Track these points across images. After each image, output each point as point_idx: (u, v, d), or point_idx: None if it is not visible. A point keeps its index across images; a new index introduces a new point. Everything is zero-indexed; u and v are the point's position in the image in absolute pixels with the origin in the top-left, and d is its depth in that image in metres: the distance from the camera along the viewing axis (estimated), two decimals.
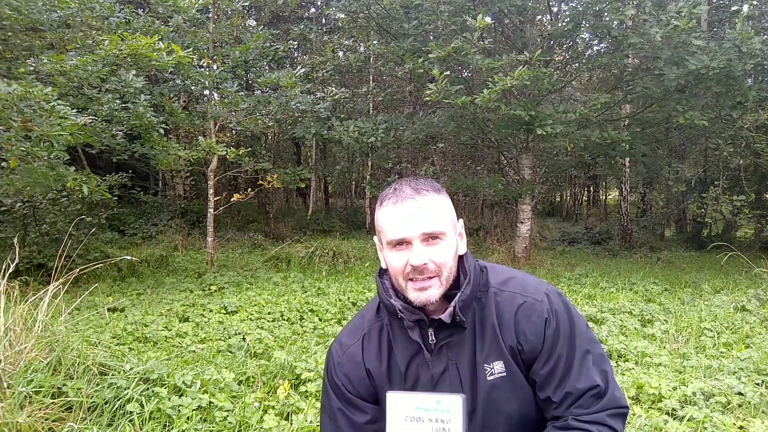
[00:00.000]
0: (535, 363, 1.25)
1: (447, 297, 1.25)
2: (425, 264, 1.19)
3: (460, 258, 1.30)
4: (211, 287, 6.37)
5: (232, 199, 8.29)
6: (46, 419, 2.24)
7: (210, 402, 2.58)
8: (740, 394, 3.06)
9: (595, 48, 10.11)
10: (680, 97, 7.88)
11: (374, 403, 1.34)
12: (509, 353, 1.25)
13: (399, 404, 1.21)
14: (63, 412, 2.33)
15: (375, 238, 1.33)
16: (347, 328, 1.43)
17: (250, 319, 4.87)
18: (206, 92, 8.47)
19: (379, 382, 1.33)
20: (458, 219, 1.32)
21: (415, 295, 1.22)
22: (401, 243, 1.21)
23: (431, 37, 8.95)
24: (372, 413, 1.33)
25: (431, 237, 1.21)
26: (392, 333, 1.33)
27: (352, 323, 1.42)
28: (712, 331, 4.60)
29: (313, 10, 14.27)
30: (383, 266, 1.31)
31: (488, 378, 1.25)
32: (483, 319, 1.28)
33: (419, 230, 1.19)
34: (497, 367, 1.26)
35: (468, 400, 1.25)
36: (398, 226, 1.21)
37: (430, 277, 1.21)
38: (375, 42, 10.04)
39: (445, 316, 1.24)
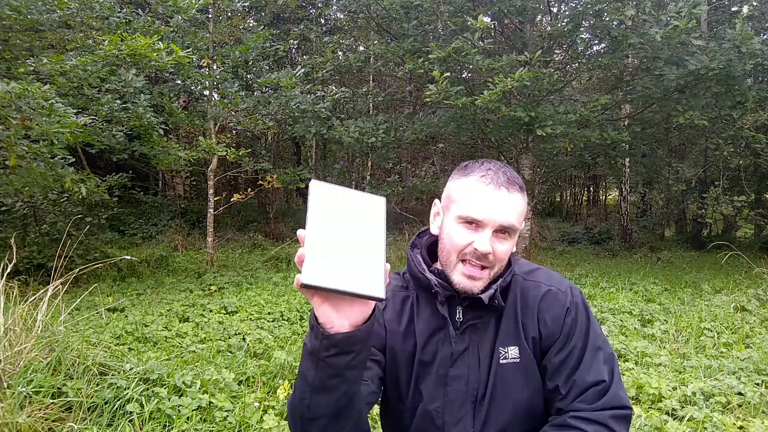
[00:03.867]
0: (549, 350, 1.27)
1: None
2: (489, 252, 1.19)
3: None
4: (211, 287, 6.36)
5: (232, 199, 8.29)
6: (46, 419, 2.23)
7: (210, 402, 2.58)
8: (740, 394, 3.06)
9: (594, 48, 10.11)
10: (680, 97, 7.88)
11: (381, 350, 1.34)
12: (527, 340, 1.27)
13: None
14: (63, 412, 2.33)
15: (437, 202, 1.32)
16: None
17: (250, 319, 4.87)
18: (206, 92, 8.47)
19: (393, 340, 1.32)
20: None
21: (460, 279, 1.22)
22: (474, 223, 1.20)
23: (431, 38, 8.95)
24: (377, 365, 1.32)
25: (504, 230, 1.21)
26: (417, 305, 1.33)
27: None
28: (712, 331, 4.60)
29: (313, 10, 14.26)
30: (433, 231, 1.32)
31: (501, 361, 1.27)
32: (507, 304, 1.29)
33: (500, 220, 1.19)
34: (512, 352, 1.27)
35: (481, 381, 1.27)
36: (483, 207, 1.19)
37: (484, 267, 1.21)
38: (375, 42, 10.03)
39: (485, 297, 1.25)
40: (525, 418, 1.29)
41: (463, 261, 1.22)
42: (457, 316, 1.28)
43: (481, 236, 1.19)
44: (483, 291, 1.24)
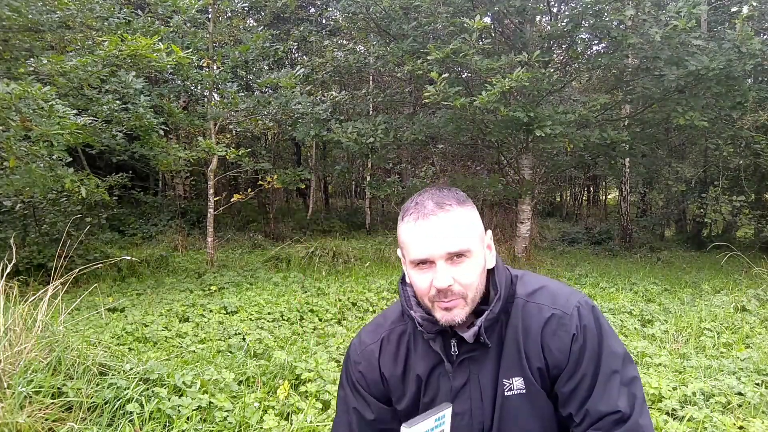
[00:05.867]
0: (558, 379, 1.20)
1: (475, 311, 1.21)
2: (450, 286, 1.13)
3: (491, 271, 1.24)
4: (211, 287, 6.36)
5: (232, 200, 8.29)
6: (46, 419, 2.23)
7: (210, 402, 2.58)
8: (740, 394, 3.06)
9: (594, 48, 10.11)
10: (680, 97, 7.88)
11: (386, 404, 1.33)
12: (532, 371, 1.20)
13: None
14: (63, 412, 2.33)
15: (398, 250, 1.28)
16: (371, 324, 1.40)
17: (250, 319, 4.87)
18: (206, 93, 8.47)
19: (393, 386, 1.31)
20: (486, 230, 1.26)
21: (441, 315, 1.17)
22: (424, 262, 1.15)
23: (431, 38, 8.95)
24: (383, 414, 1.32)
25: (456, 256, 1.14)
26: (414, 340, 1.30)
27: (376, 321, 1.40)
28: (712, 331, 4.60)
29: (312, 11, 14.26)
30: (407, 279, 1.26)
31: (506, 393, 1.21)
32: (508, 331, 1.22)
33: (443, 250, 1.13)
34: (516, 383, 1.21)
35: (486, 415, 1.23)
36: (421, 246, 1.14)
37: (456, 299, 1.15)
38: (374, 43, 10.03)
39: (468, 336, 1.19)
40: None
41: (437, 300, 1.16)
42: (453, 349, 1.23)
43: (436, 273, 1.13)
44: (470, 323, 1.19)
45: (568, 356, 1.17)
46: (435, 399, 1.26)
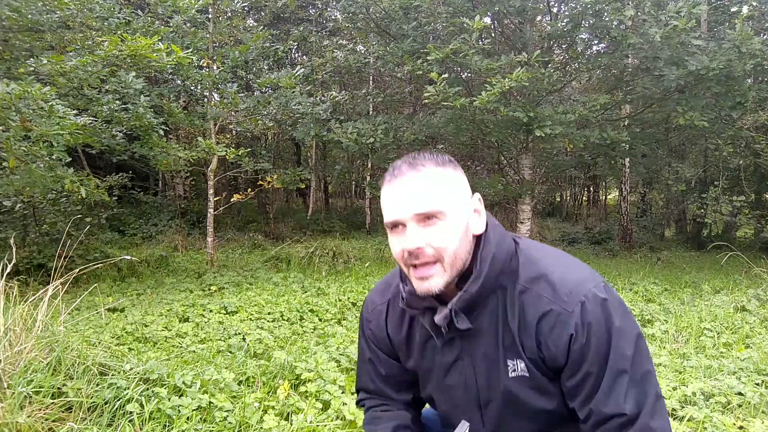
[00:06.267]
0: (561, 373, 1.13)
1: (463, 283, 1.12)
2: (420, 248, 1.05)
3: (481, 239, 1.13)
4: (211, 287, 6.36)
5: (232, 200, 8.29)
6: (46, 419, 2.23)
7: (210, 402, 2.58)
8: (740, 394, 3.06)
9: (594, 48, 10.11)
10: (680, 97, 7.88)
11: (396, 360, 1.34)
12: (530, 359, 1.13)
13: None
14: (63, 412, 2.33)
15: None
16: (382, 283, 1.38)
17: (250, 319, 4.87)
18: (206, 93, 8.48)
19: (398, 347, 1.31)
20: (474, 193, 1.16)
21: (417, 285, 1.09)
22: (396, 226, 1.08)
23: (431, 38, 8.95)
24: (393, 369, 1.35)
25: (427, 217, 1.05)
26: None
27: (386, 279, 1.37)
28: (712, 331, 4.60)
29: (312, 11, 14.26)
30: None
31: (510, 374, 1.14)
32: (506, 313, 1.13)
33: (411, 211, 1.05)
34: (520, 366, 1.13)
35: (482, 390, 1.19)
36: (391, 208, 1.08)
37: (431, 263, 1.07)
38: (374, 43, 10.04)
39: (438, 319, 1.13)
40: (544, 418, 1.18)
41: (413, 266, 1.09)
42: (443, 327, 1.16)
43: (405, 236, 1.06)
44: (455, 292, 1.12)
45: (567, 355, 1.08)
46: (432, 370, 1.25)
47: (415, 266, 1.08)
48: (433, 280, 1.08)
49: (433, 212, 1.05)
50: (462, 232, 1.09)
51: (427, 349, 1.25)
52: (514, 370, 1.14)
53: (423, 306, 1.16)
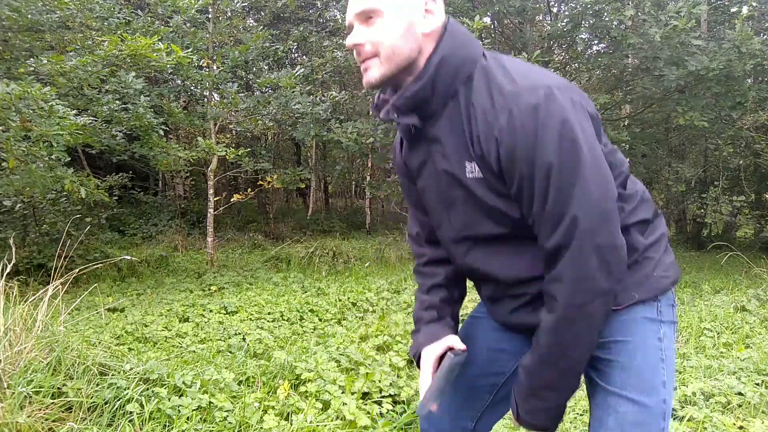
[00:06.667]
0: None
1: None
2: (359, 44, 1.14)
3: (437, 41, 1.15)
4: (211, 287, 6.37)
5: (232, 200, 8.29)
6: (46, 419, 2.24)
7: (210, 402, 2.58)
8: (740, 394, 3.06)
9: (594, 48, 10.12)
10: (680, 97, 7.89)
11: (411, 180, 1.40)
12: (479, 161, 1.13)
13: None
14: (63, 412, 2.33)
15: None
16: None
17: (250, 319, 4.87)
18: (206, 93, 8.48)
19: (409, 168, 1.37)
20: None
21: (364, 79, 1.17)
22: (350, 29, 1.17)
23: None
24: (415, 195, 1.40)
25: (367, 17, 1.12)
26: None
27: None
28: (712, 331, 4.60)
29: (312, 11, 14.26)
30: None
31: (468, 176, 1.16)
32: (461, 118, 1.14)
33: (353, 12, 1.14)
34: (476, 168, 1.14)
35: (446, 194, 1.23)
36: (346, 10, 1.20)
37: (370, 58, 1.14)
38: None
39: (383, 113, 1.20)
40: (512, 222, 1.16)
41: (361, 63, 1.17)
42: (412, 129, 1.21)
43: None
44: (394, 90, 1.20)
45: (499, 160, 1.08)
46: (416, 177, 1.33)
47: (362, 63, 1.16)
48: (370, 72, 1.15)
49: (370, 10, 1.12)
50: (402, 28, 1.12)
51: (411, 161, 1.33)
52: (471, 172, 1.15)
53: (384, 108, 1.21)
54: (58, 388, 2.40)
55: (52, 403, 2.32)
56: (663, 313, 1.20)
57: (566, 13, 9.36)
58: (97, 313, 4.74)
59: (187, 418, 2.45)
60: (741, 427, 2.74)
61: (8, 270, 2.86)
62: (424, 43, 1.14)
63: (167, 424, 2.42)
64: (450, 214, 1.25)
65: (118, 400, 2.43)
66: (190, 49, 6.94)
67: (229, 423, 2.49)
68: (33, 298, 2.85)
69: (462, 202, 1.21)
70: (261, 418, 2.58)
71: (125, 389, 2.48)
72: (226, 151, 7.73)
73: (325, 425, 2.56)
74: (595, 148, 1.06)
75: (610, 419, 1.16)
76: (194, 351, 3.78)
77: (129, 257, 5.35)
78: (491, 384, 1.40)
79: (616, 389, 1.16)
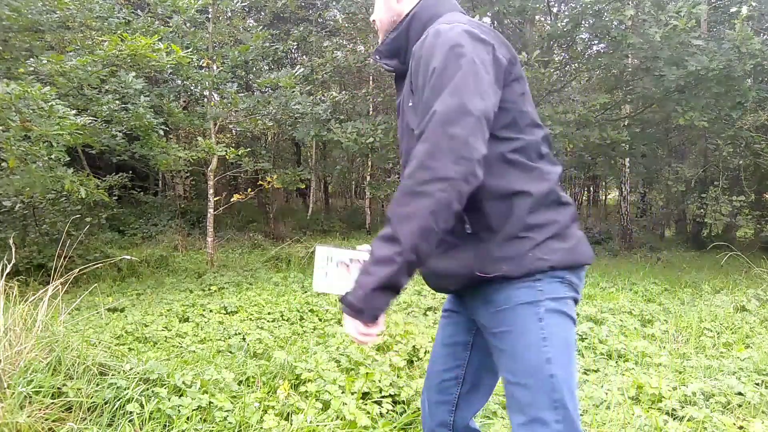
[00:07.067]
0: None
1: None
2: (373, 21, 1.54)
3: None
4: (211, 287, 6.36)
5: (232, 200, 8.29)
6: (46, 419, 2.23)
7: (210, 402, 2.58)
8: (740, 394, 3.06)
9: (594, 48, 10.12)
10: (680, 97, 7.89)
11: None
12: (413, 89, 1.33)
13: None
14: (63, 412, 2.33)
15: None
16: None
17: (250, 319, 4.86)
18: (206, 93, 8.48)
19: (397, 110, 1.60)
20: None
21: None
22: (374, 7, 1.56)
23: None
24: None
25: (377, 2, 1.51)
26: None
27: None
28: (712, 331, 4.60)
29: (312, 11, 14.25)
30: None
31: (408, 106, 1.36)
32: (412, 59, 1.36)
33: None
34: (414, 100, 1.33)
35: (402, 126, 1.43)
36: None
37: (378, 28, 1.53)
38: (374, 43, 10.03)
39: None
40: None
41: None
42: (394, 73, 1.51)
43: None
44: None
45: (412, 71, 1.31)
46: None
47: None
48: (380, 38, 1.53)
49: None
50: (386, 7, 1.48)
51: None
52: (410, 104, 1.35)
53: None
54: (58, 388, 2.40)
55: (52, 403, 2.32)
56: (545, 291, 1.25)
57: (566, 13, 9.36)
58: (97, 313, 4.74)
59: (187, 418, 2.44)
60: (741, 427, 2.74)
61: (8, 270, 2.86)
62: (402, 10, 1.45)
63: (167, 424, 2.42)
64: (401, 145, 1.44)
65: (118, 400, 2.43)
66: (190, 49, 6.94)
67: (229, 423, 2.49)
68: (33, 298, 2.84)
69: (406, 133, 1.38)
70: (261, 418, 2.58)
71: (125, 389, 2.48)
72: (226, 151, 7.73)
73: (325, 425, 2.56)
74: (479, 72, 1.19)
75: (513, 405, 1.29)
76: (194, 351, 3.78)
77: (129, 257, 5.34)
78: (455, 377, 1.51)
79: (509, 376, 1.29)
